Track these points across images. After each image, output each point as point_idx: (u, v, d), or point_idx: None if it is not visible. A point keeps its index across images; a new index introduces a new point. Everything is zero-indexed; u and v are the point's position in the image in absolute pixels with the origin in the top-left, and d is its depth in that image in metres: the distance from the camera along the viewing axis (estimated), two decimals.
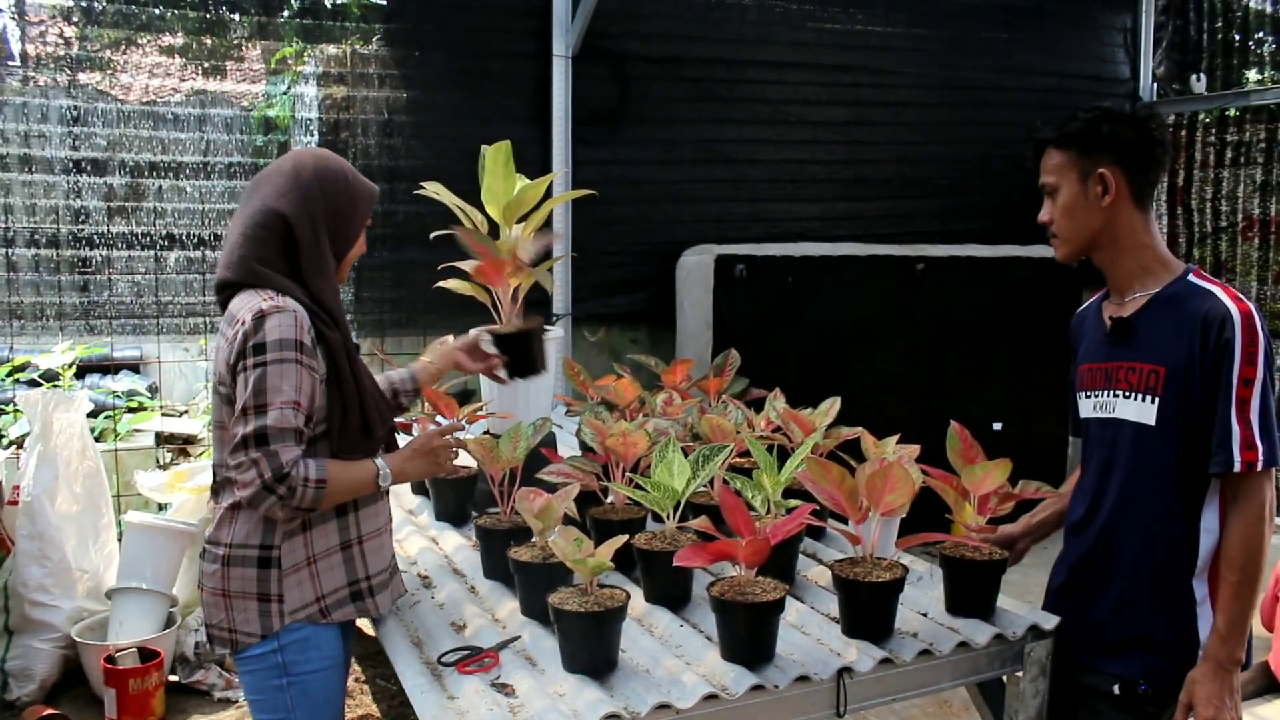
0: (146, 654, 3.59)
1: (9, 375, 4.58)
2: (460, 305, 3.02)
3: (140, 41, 4.56)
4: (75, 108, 4.37)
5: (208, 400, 4.85)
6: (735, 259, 4.95)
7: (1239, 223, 6.21)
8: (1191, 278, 2.00)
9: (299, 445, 1.87)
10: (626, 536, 2.02)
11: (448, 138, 4.81)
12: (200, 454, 4.64)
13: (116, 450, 4.38)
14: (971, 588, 2.08)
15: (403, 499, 2.97)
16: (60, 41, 4.43)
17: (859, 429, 2.51)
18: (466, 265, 2.87)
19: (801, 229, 5.66)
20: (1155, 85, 6.54)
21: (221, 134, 4.60)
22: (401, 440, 2.28)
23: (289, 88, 4.78)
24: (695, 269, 5.06)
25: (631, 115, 5.27)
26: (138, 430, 4.62)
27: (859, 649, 1.91)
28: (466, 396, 2.97)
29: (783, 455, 2.16)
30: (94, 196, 4.41)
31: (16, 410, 4.26)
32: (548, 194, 2.85)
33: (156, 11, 4.53)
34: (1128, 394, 2.02)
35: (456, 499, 2.72)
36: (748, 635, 1.84)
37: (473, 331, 2.49)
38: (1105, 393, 2.07)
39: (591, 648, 1.82)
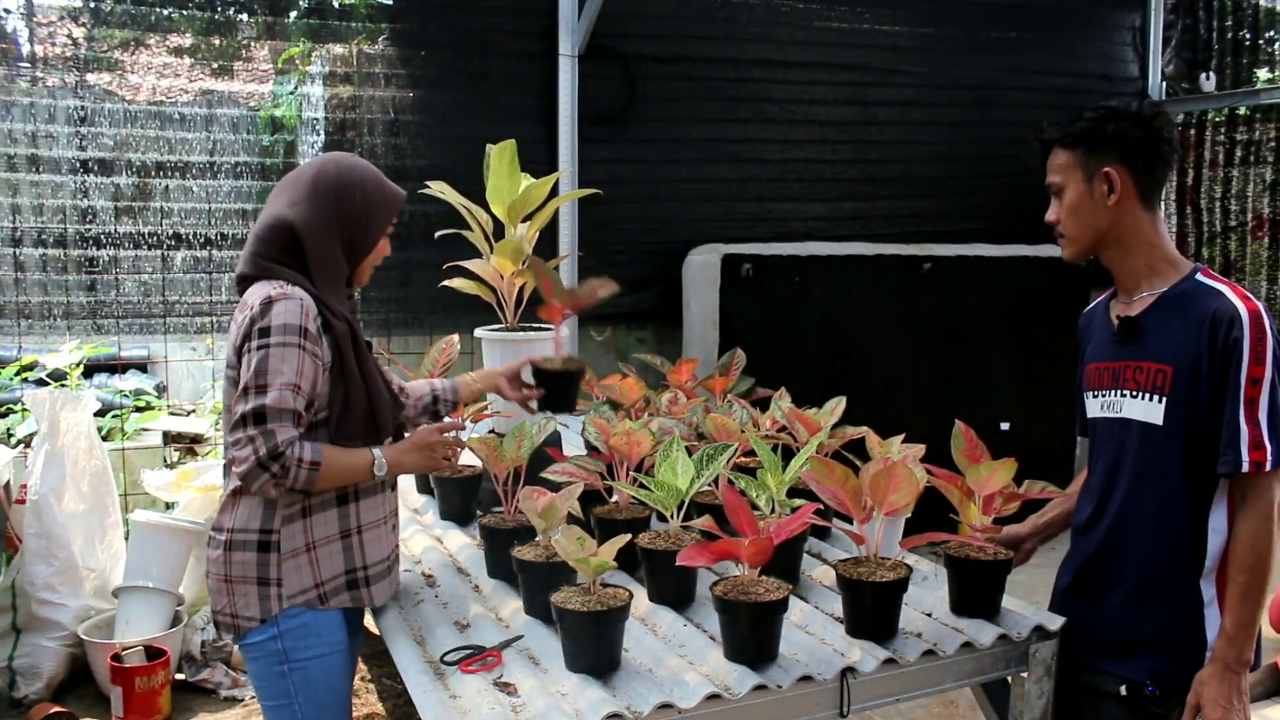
0: (153, 652, 3.60)
1: (17, 374, 4.60)
2: (466, 304, 3.03)
3: (148, 42, 4.57)
4: (83, 108, 4.39)
5: (215, 399, 4.86)
6: (742, 258, 4.94)
7: (1248, 222, 6.18)
8: (1199, 277, 1.99)
9: (296, 427, 1.92)
10: (630, 536, 2.02)
11: (454, 137, 4.82)
12: (207, 453, 4.65)
13: (124, 449, 4.39)
14: (976, 588, 2.07)
15: (408, 498, 2.97)
16: (69, 42, 4.45)
17: (864, 428, 2.50)
18: (472, 264, 2.88)
19: (808, 228, 5.66)
20: (1164, 84, 6.51)
21: (228, 134, 4.61)
22: None
23: (295, 88, 4.79)
24: (702, 268, 5.06)
25: (638, 114, 5.28)
26: (145, 429, 4.63)
27: (863, 649, 1.90)
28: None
29: (788, 455, 2.16)
30: (101, 196, 4.42)
31: (24, 409, 4.27)
32: (553, 193, 2.85)
33: (165, 12, 4.55)
34: (1135, 393, 2.01)
35: (461, 498, 2.72)
36: (751, 635, 1.83)
37: (519, 360, 2.56)
38: (1112, 392, 2.06)
39: (594, 647, 1.81)
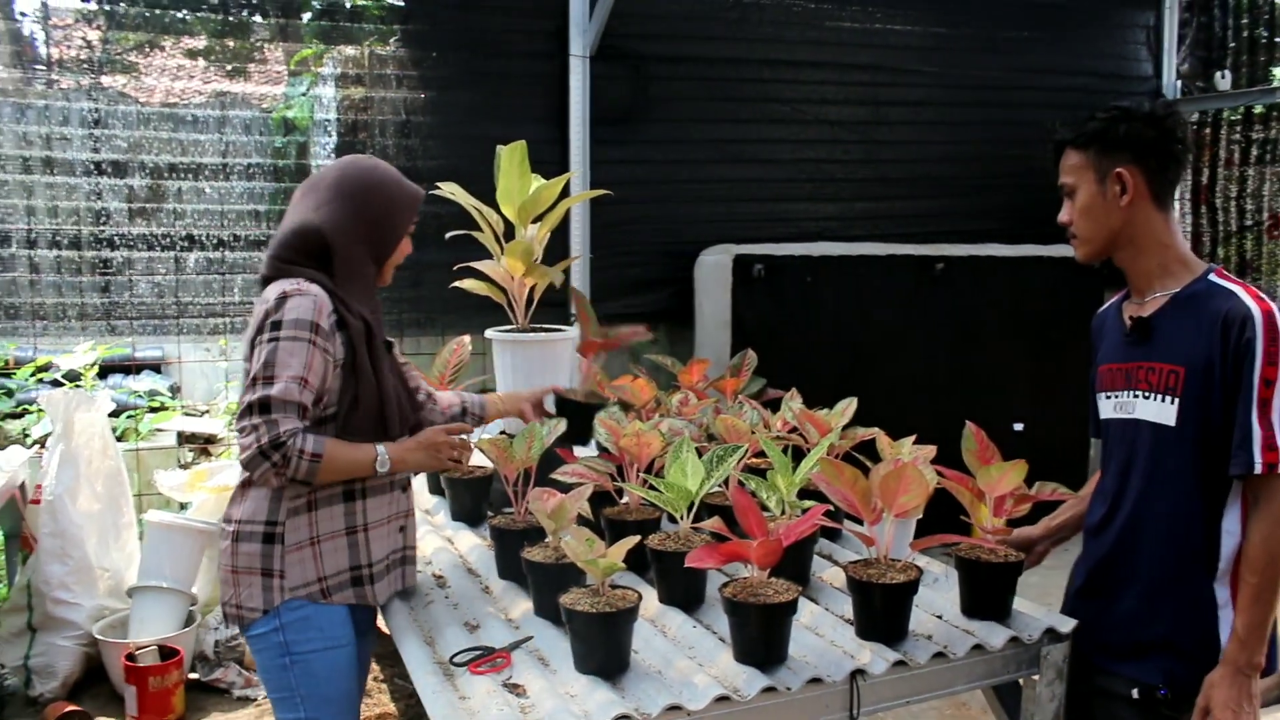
0: (166, 652, 3.63)
1: (32, 375, 4.64)
2: (477, 305, 3.04)
3: (163, 44, 4.60)
4: (97, 110, 4.42)
5: (229, 400, 4.89)
6: (753, 259, 4.93)
7: (1264, 221, 6.14)
8: (1212, 277, 1.98)
9: (302, 420, 1.94)
10: (640, 537, 2.02)
11: (465, 138, 4.83)
12: (221, 454, 4.67)
13: (138, 449, 4.42)
14: (987, 590, 2.06)
15: (420, 499, 2.98)
16: (84, 45, 4.48)
17: (875, 430, 2.49)
18: (483, 265, 2.89)
19: (820, 228, 5.64)
20: (1179, 83, 6.46)
21: (241, 135, 4.63)
22: None
23: (308, 89, 4.81)
24: (713, 269, 5.05)
25: (649, 115, 5.27)
26: (159, 430, 4.66)
27: (873, 651, 1.90)
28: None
29: (798, 456, 2.15)
30: (115, 198, 4.45)
31: (39, 410, 4.30)
32: (564, 194, 2.85)
33: (179, 14, 4.57)
34: (1147, 394, 1.99)
35: (472, 499, 2.73)
36: (760, 637, 1.83)
37: (544, 387, 2.66)
38: (1125, 393, 2.05)
39: (603, 648, 1.81)
